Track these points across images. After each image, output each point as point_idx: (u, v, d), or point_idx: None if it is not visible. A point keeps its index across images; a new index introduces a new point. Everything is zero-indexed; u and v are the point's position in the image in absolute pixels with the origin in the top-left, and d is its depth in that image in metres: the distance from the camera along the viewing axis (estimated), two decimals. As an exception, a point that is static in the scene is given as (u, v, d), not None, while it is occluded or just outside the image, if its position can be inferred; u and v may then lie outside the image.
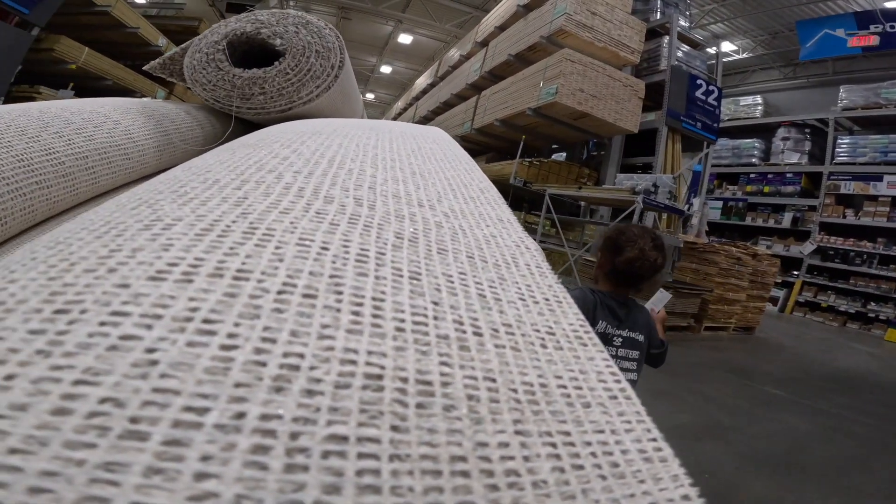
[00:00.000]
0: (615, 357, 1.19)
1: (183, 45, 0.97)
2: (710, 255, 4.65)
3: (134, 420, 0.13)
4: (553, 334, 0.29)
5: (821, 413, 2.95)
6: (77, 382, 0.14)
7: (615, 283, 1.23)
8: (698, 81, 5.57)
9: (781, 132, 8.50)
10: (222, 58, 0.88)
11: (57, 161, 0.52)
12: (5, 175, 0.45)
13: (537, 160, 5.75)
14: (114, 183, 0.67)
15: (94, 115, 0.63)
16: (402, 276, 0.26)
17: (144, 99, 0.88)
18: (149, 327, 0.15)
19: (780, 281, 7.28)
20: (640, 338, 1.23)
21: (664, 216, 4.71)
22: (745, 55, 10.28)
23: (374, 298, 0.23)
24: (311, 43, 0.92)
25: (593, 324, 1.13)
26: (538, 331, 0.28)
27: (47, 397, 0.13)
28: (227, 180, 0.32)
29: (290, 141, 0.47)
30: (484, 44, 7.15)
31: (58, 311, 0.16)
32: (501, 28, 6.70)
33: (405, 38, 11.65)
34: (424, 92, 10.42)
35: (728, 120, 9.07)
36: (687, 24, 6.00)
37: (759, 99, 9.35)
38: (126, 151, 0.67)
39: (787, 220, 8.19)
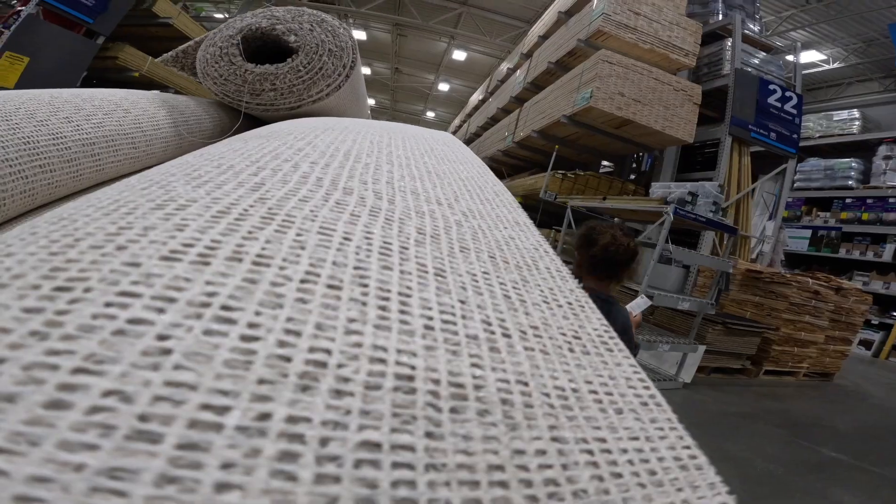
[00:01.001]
0: None
1: (197, 39, 0.97)
2: (777, 286, 3.73)
3: (143, 418, 0.11)
4: (579, 338, 0.28)
5: (889, 485, 2.15)
6: (77, 371, 0.12)
7: (595, 275, 1.27)
8: (771, 87, 4.67)
9: (883, 150, 7.15)
10: (235, 52, 0.87)
11: (63, 146, 0.51)
12: (9, 157, 0.43)
13: (572, 173, 5.11)
14: (118, 171, 0.66)
15: (104, 103, 0.62)
16: (426, 272, 0.25)
17: (154, 91, 0.87)
18: (161, 311, 0.14)
19: (876, 322, 6.44)
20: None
21: (726, 239, 3.73)
22: (836, 65, 8.91)
23: (400, 294, 0.21)
24: (324, 41, 0.91)
25: None
26: (564, 334, 0.27)
27: (41, 387, 0.11)
28: (242, 167, 0.31)
29: (304, 134, 0.46)
30: (529, 55, 6.69)
31: (58, 289, 0.14)
32: (545, 37, 6.17)
33: (459, 55, 11.48)
34: (476, 108, 9.95)
35: (819, 137, 7.97)
36: (757, 29, 5.19)
37: (855, 113, 7.84)
38: (133, 140, 0.66)
39: (888, 253, 6.76)
